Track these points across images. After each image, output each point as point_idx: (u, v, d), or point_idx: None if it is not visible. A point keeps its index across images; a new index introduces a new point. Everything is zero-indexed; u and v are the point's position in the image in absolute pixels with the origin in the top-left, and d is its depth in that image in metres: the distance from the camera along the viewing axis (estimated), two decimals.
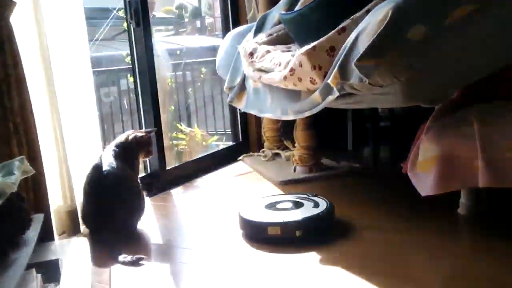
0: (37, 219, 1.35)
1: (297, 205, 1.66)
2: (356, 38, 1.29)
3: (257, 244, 1.56)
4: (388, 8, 1.21)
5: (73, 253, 1.51)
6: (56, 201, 1.71)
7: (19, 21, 1.55)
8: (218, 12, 3.45)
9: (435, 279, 1.27)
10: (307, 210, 1.60)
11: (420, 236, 1.53)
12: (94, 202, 1.66)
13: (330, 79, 1.38)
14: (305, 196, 1.73)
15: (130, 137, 1.83)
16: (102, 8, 3.23)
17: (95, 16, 3.29)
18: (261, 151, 2.73)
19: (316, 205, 1.64)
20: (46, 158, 1.62)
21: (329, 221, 1.62)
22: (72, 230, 1.74)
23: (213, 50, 2.97)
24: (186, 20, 4.33)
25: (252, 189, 2.23)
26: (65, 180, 1.71)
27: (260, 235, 1.57)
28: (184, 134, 3.51)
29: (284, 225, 1.53)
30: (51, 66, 1.65)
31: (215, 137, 3.62)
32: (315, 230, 1.55)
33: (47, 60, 1.64)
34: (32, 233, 1.25)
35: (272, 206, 1.68)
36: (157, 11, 3.87)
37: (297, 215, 1.57)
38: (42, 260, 1.38)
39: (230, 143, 2.99)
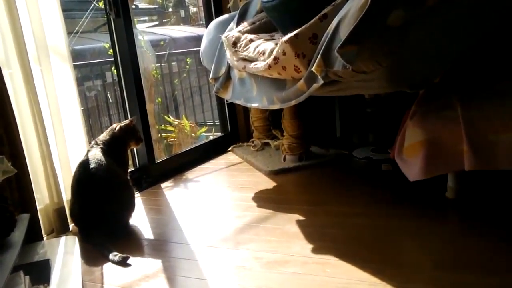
0: (23, 220, 1.33)
1: None
2: (338, 25, 1.27)
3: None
4: None
5: (62, 252, 1.48)
6: (42, 199, 1.69)
7: None
8: (201, 1, 3.41)
9: (424, 263, 1.28)
10: None
11: (409, 221, 1.54)
12: (83, 200, 1.64)
13: (314, 67, 1.37)
14: None
15: (117, 129, 1.81)
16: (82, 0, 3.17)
17: (74, 8, 3.22)
18: (250, 141, 2.72)
19: None
20: (29, 157, 1.60)
21: None
22: (61, 228, 1.73)
23: (198, 40, 2.93)
24: (170, 10, 4.27)
25: (243, 179, 2.22)
26: (50, 178, 1.68)
27: (374, 171, 2.01)
28: (173, 126, 3.48)
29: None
30: (28, 60, 1.60)
31: (204, 128, 3.60)
32: None
33: (23, 53, 1.58)
34: (18, 234, 1.23)
35: (378, 150, 2.14)
36: (140, 2, 3.80)
37: None
38: (31, 261, 1.35)
39: (219, 134, 2.98)
